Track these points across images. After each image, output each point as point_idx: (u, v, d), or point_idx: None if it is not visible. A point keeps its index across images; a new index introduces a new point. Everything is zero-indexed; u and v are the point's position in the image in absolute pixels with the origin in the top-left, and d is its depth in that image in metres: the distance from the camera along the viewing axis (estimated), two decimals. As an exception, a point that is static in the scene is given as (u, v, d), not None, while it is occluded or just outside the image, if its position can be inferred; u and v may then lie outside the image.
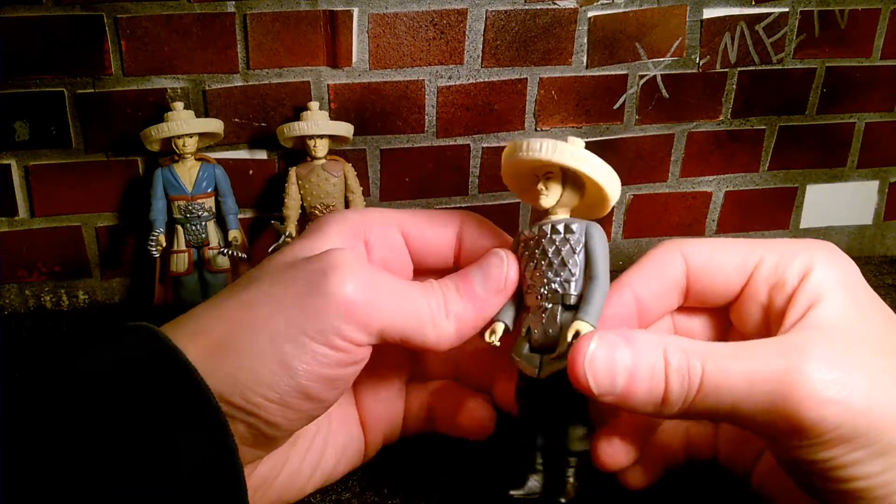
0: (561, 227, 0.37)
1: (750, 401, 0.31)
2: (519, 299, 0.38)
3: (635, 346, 0.33)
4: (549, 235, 0.37)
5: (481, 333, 0.37)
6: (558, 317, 0.35)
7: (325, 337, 0.33)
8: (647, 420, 0.39)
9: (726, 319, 0.40)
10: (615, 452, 0.38)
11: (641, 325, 0.40)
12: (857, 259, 0.91)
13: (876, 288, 0.75)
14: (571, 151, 0.37)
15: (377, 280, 0.34)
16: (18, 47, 0.63)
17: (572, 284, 0.36)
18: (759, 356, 0.32)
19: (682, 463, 0.42)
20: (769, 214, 0.82)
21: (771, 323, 0.37)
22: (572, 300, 0.36)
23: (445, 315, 0.36)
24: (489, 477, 0.44)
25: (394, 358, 0.44)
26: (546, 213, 0.38)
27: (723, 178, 0.80)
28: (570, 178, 0.38)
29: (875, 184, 0.83)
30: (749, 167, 0.80)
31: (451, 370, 0.45)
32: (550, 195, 0.37)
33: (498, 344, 0.36)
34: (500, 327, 0.36)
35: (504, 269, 0.37)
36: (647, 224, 0.79)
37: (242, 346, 0.32)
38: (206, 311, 0.35)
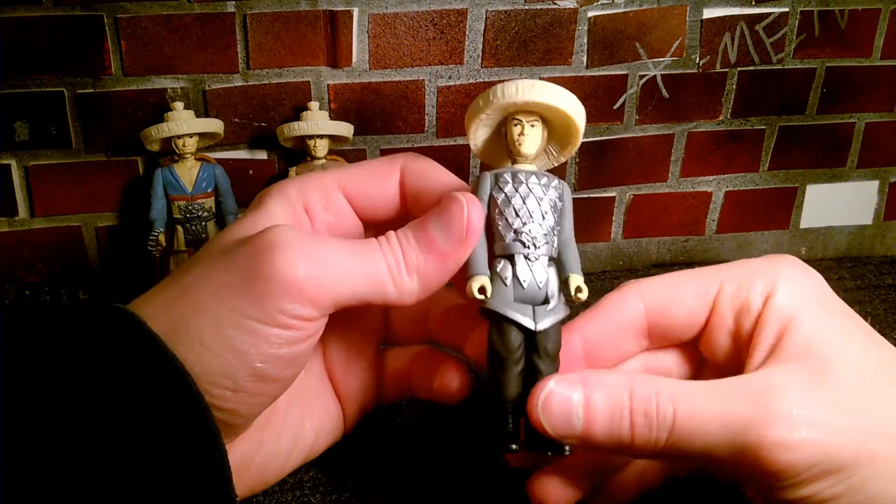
0: (544, 179, 0.36)
1: (723, 446, 0.31)
2: (490, 244, 0.35)
3: (594, 387, 0.33)
4: (537, 183, 0.35)
5: (469, 289, 0.34)
6: (546, 268, 0.34)
7: (273, 318, 0.31)
8: (600, 456, 0.38)
9: (699, 354, 0.40)
10: (551, 493, 0.37)
11: (592, 367, 0.39)
12: (856, 259, 0.91)
13: (876, 288, 0.76)
14: (551, 88, 0.35)
15: (322, 250, 0.33)
16: (18, 47, 0.63)
17: (555, 237, 0.35)
18: (730, 399, 0.32)
19: (660, 485, 0.41)
20: (769, 214, 0.82)
21: (741, 350, 0.36)
22: (555, 253, 0.35)
23: (407, 271, 0.33)
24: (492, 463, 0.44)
25: (364, 326, 0.43)
26: (514, 161, 0.37)
27: (723, 178, 0.80)
28: (545, 121, 0.37)
29: (875, 184, 0.83)
30: (749, 167, 0.80)
31: (423, 332, 0.44)
32: (533, 139, 0.36)
33: (484, 298, 0.34)
34: (486, 282, 0.34)
35: (464, 216, 0.34)
36: (647, 224, 0.79)
37: (187, 337, 0.31)
38: (149, 302, 0.34)
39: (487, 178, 0.36)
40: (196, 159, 0.66)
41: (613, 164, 0.76)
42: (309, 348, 0.34)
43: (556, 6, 0.70)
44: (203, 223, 0.66)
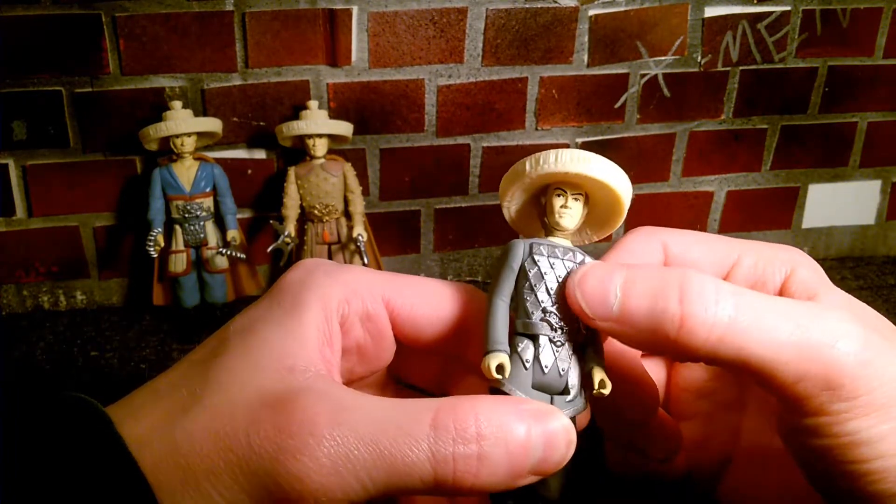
0: (580, 257, 0.32)
1: (789, 348, 0.28)
2: (511, 318, 0.32)
3: (638, 269, 0.30)
4: (572, 261, 0.32)
5: (485, 367, 0.30)
6: (570, 355, 0.31)
7: None
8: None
9: None
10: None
11: None
12: (859, 259, 0.91)
13: (879, 288, 0.76)
14: (605, 163, 0.32)
15: (349, 449, 0.27)
16: (16, 46, 0.62)
17: (584, 323, 0.31)
18: (800, 306, 0.29)
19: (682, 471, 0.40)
20: (771, 214, 0.82)
21: None
22: (581, 340, 0.32)
23: (471, 480, 0.27)
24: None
25: None
26: (548, 233, 0.34)
27: (724, 177, 0.79)
28: (588, 195, 0.34)
29: (877, 183, 0.83)
30: (751, 167, 0.79)
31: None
32: (575, 213, 0.33)
33: (501, 379, 0.30)
34: (506, 360, 0.30)
35: (568, 453, 0.29)
36: (648, 224, 0.79)
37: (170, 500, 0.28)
38: (136, 420, 0.29)
39: (520, 247, 0.32)
40: (194, 159, 0.65)
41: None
42: None
43: (556, 4, 0.69)
44: (201, 223, 0.66)
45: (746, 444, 0.37)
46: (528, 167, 0.33)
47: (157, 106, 0.66)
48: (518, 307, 0.32)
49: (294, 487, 0.27)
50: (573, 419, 0.31)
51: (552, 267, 0.32)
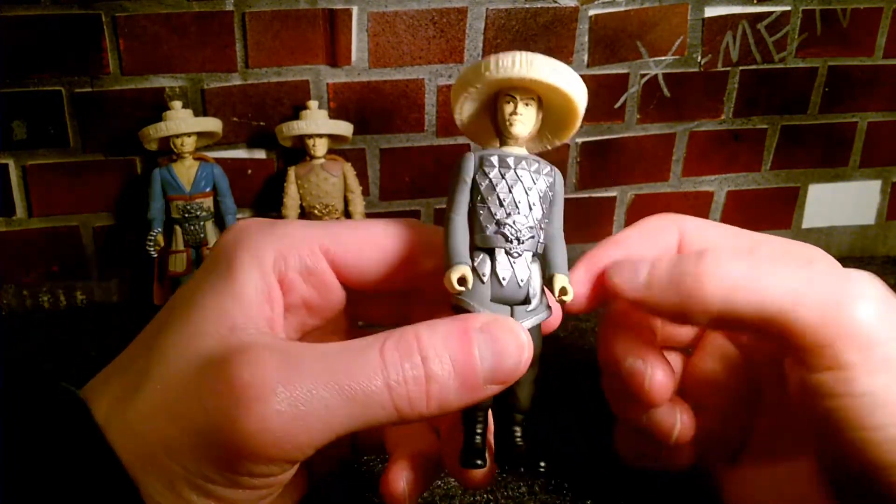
0: (535, 164, 0.31)
1: (805, 295, 0.29)
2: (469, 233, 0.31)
3: (663, 258, 0.32)
4: (526, 170, 0.31)
5: (447, 280, 0.29)
6: (529, 264, 0.31)
7: (237, 482, 0.27)
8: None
9: None
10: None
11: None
12: (859, 259, 0.91)
13: (879, 288, 0.75)
14: (552, 64, 0.30)
15: (303, 386, 0.26)
16: (16, 46, 0.62)
17: (542, 231, 0.31)
18: (812, 269, 0.31)
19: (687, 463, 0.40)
20: (771, 214, 0.82)
21: None
22: (540, 248, 0.31)
23: (426, 402, 0.27)
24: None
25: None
26: (502, 141, 0.32)
27: (724, 177, 0.79)
28: (541, 99, 0.32)
29: (877, 183, 0.83)
30: (751, 167, 0.79)
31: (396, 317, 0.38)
32: (527, 119, 0.32)
33: (464, 290, 0.30)
34: (468, 272, 0.29)
35: (521, 358, 0.29)
36: (648, 224, 0.79)
37: (142, 486, 0.27)
38: (100, 397, 0.30)
39: (471, 160, 0.31)
40: (194, 159, 0.65)
41: (615, 163, 0.75)
42: (277, 492, 0.30)
43: (556, 4, 0.69)
44: (201, 223, 0.66)
45: (757, 444, 0.37)
46: (470, 75, 0.31)
47: (157, 106, 0.66)
48: (473, 222, 0.31)
49: (255, 440, 0.26)
50: (537, 328, 0.31)
51: (503, 177, 0.31)
